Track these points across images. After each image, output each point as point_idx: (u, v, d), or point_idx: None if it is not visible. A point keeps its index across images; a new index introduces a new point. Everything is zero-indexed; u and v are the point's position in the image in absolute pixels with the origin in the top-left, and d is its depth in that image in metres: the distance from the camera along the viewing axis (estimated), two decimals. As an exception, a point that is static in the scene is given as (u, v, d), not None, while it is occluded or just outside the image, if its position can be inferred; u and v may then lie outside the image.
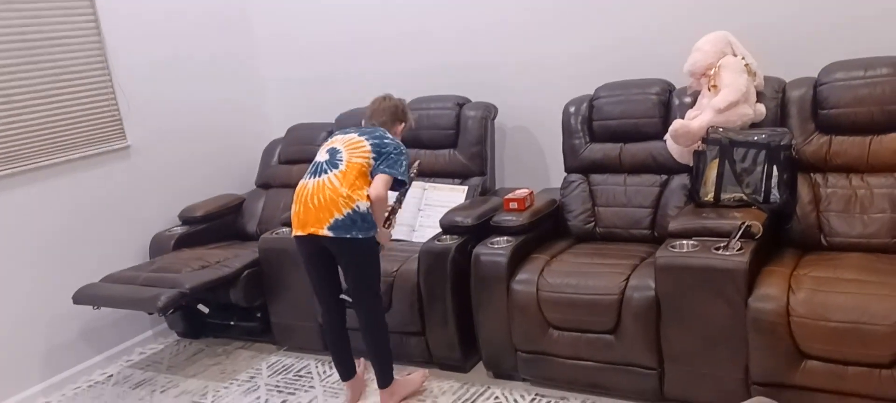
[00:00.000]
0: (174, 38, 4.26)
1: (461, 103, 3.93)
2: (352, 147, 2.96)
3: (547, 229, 3.44)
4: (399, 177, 2.97)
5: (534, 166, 4.05)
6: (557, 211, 3.53)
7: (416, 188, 3.89)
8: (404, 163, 2.99)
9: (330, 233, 2.90)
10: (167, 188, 4.25)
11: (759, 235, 2.72)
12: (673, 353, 2.76)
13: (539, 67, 3.90)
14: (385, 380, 3.09)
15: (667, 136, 3.21)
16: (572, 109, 3.57)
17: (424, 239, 3.64)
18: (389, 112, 3.16)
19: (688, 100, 3.31)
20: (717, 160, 2.98)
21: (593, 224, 3.46)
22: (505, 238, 3.23)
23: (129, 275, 3.58)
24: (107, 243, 3.91)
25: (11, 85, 3.48)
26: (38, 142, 3.59)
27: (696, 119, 3.04)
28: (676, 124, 3.03)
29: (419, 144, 3.98)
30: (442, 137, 3.92)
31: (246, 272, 3.67)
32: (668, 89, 3.41)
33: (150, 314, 3.64)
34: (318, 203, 2.92)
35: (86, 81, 3.80)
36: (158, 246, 4.09)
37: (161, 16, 4.18)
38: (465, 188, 3.80)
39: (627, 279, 2.88)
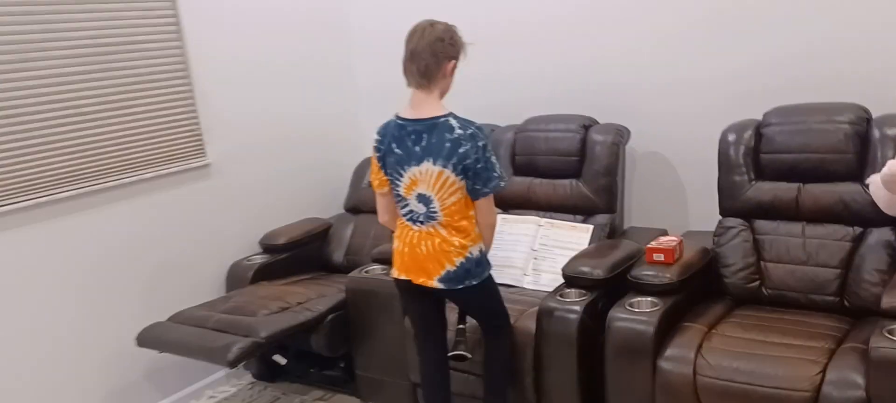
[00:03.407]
0: (260, 38, 3.79)
1: (588, 125, 3.29)
2: (438, 185, 2.37)
3: (697, 287, 2.76)
4: (503, 184, 2.44)
5: (670, 204, 3.35)
6: (710, 263, 2.84)
7: (530, 224, 3.27)
8: (494, 159, 2.41)
9: (441, 286, 2.45)
10: (248, 210, 3.79)
11: None
12: (890, 478, 2.04)
13: (684, 85, 3.21)
14: None
15: (872, 179, 2.47)
16: (732, 138, 2.87)
17: (539, 287, 3.03)
18: (430, 50, 2.34)
19: (891, 132, 2.57)
20: (948, 215, 2.23)
21: (758, 283, 2.74)
22: (648, 299, 2.57)
23: (200, 316, 3.12)
24: (180, 272, 3.48)
25: (83, 95, 3.07)
26: (109, 158, 3.16)
27: (920, 160, 2.29)
28: (894, 165, 2.29)
29: (535, 172, 3.36)
30: (563, 165, 3.29)
31: (330, 317, 3.15)
32: (864, 117, 2.66)
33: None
34: (427, 251, 2.45)
35: (165, 91, 3.36)
36: (236, 277, 3.64)
37: (247, 14, 3.73)
38: (591, 227, 3.15)
39: (823, 370, 2.17)
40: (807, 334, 2.39)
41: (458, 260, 2.43)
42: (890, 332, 2.07)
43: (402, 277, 2.53)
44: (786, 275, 2.69)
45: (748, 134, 2.83)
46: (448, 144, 2.34)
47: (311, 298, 3.24)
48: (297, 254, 3.77)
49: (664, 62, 3.23)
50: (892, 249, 2.50)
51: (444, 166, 2.35)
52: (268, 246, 3.76)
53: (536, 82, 3.58)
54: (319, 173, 4.12)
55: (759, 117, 2.85)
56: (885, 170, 2.32)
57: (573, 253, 2.93)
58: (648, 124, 3.30)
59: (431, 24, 2.41)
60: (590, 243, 3.10)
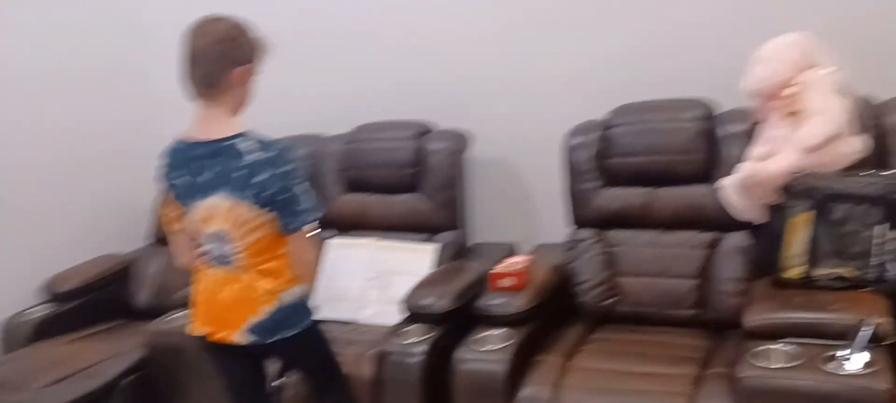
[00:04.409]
0: (32, 40, 3.11)
1: (423, 132, 2.93)
2: (232, 220, 1.92)
3: (552, 310, 2.47)
4: (316, 216, 1.97)
5: (519, 215, 3.07)
6: (564, 281, 2.57)
7: (365, 248, 2.87)
8: (303, 187, 1.94)
9: (247, 340, 1.99)
10: (26, 250, 3.10)
11: (893, 340, 1.82)
12: None
13: (527, 82, 2.93)
14: None
15: (725, 183, 2.29)
16: (578, 141, 2.61)
17: (380, 321, 2.64)
18: (213, 53, 1.87)
19: (736, 129, 2.41)
20: (805, 220, 2.07)
21: (614, 300, 2.50)
22: (498, 332, 2.25)
23: (-52, 398, 2.45)
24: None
25: None
26: None
27: (774, 160, 2.12)
28: (749, 169, 2.11)
29: (369, 188, 2.96)
30: (398, 178, 2.91)
31: (124, 382, 2.58)
32: (709, 114, 2.49)
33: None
34: (229, 299, 1.99)
35: None
36: (11, 336, 2.97)
37: (15, 8, 3.04)
38: (433, 248, 2.80)
39: (691, 404, 1.94)
40: (669, 359, 2.17)
41: (267, 309, 1.98)
42: (756, 356, 1.87)
43: (199, 332, 2.06)
44: (642, 290, 2.47)
45: (594, 136, 2.59)
46: (240, 173, 1.87)
47: (100, 360, 2.65)
48: (90, 301, 3.14)
49: (504, 60, 2.94)
50: (748, 255, 2.33)
51: (239, 199, 1.89)
52: (53, 294, 3.10)
53: (368, 86, 3.16)
54: (116, 199, 3.48)
55: (603, 116, 2.61)
56: (739, 174, 2.13)
57: (416, 279, 2.57)
58: (491, 128, 2.98)
59: (215, 19, 1.93)
60: (435, 266, 2.75)
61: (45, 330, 2.97)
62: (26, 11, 3.12)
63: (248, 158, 1.88)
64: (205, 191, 1.92)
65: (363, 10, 3.12)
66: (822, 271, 2.06)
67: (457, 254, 2.84)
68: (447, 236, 2.85)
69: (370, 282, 2.79)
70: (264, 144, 1.92)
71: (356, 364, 2.38)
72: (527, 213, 3.05)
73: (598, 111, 2.64)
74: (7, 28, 3.05)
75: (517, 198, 3.06)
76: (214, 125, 1.93)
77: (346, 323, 2.75)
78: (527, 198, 3.05)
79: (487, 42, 2.95)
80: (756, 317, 1.97)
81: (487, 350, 2.18)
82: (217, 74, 1.89)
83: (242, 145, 1.89)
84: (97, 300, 3.17)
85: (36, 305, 3.07)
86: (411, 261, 2.76)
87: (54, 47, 3.20)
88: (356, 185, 2.98)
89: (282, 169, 1.90)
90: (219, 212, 1.92)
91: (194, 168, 1.92)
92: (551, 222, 2.85)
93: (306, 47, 3.20)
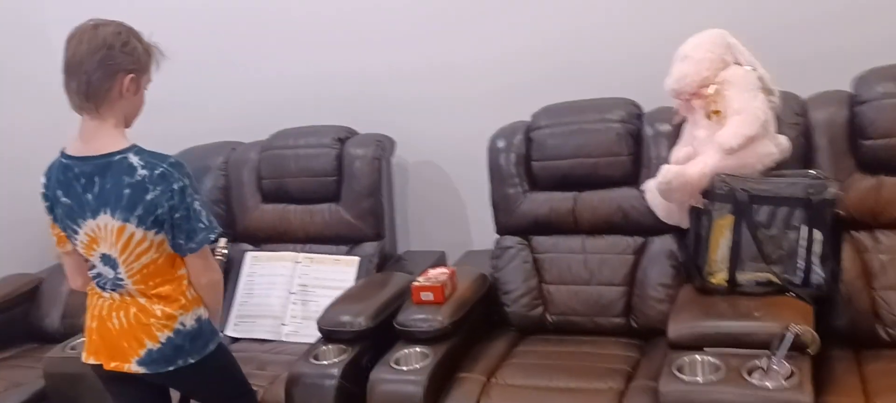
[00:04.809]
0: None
1: (344, 137, 2.79)
2: (122, 244, 1.77)
3: (476, 323, 2.37)
4: (213, 235, 1.83)
5: (448, 221, 2.96)
6: (489, 292, 2.47)
7: (286, 261, 2.73)
8: (199, 205, 1.80)
9: (142, 370, 1.85)
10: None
11: (816, 349, 1.76)
12: None
13: (452, 81, 2.81)
14: None
15: (648, 186, 2.21)
16: (501, 144, 2.51)
17: (302, 339, 2.52)
18: (93, 61, 1.70)
19: (663, 128, 2.33)
20: (728, 223, 2.00)
21: (542, 309, 2.41)
22: (418, 349, 2.13)
23: None
24: None
25: None
26: None
27: (695, 163, 2.04)
28: (668, 172, 2.03)
29: (288, 198, 2.82)
30: (318, 187, 2.76)
31: (22, 414, 2.41)
32: (635, 114, 2.40)
33: None
34: (121, 326, 1.85)
35: None
36: None
37: None
38: (356, 259, 2.67)
39: (615, 420, 1.85)
40: (595, 371, 2.07)
41: (164, 336, 1.84)
42: (678, 368, 1.79)
43: (92, 361, 1.90)
44: (569, 298, 2.37)
45: (518, 139, 2.49)
46: (128, 190, 1.72)
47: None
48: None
49: (425, 58, 2.81)
50: (676, 259, 2.25)
51: (127, 220, 1.74)
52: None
53: (285, 89, 3.01)
54: (23, 211, 3.26)
55: (528, 118, 2.51)
56: (659, 177, 2.05)
57: (339, 293, 2.45)
58: (417, 131, 2.86)
59: (96, 25, 1.76)
60: (357, 278, 2.62)
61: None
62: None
63: (138, 175, 1.73)
64: (93, 209, 1.76)
65: (288, 14, 2.96)
66: (747, 276, 1.98)
67: (381, 265, 2.71)
68: (371, 247, 2.72)
69: (291, 297, 2.65)
70: (153, 160, 1.76)
71: (271, 388, 2.25)
72: (457, 219, 2.95)
73: (527, 110, 2.53)
74: None
75: (447, 203, 2.95)
76: (99, 139, 1.77)
77: (265, 342, 2.62)
78: (457, 202, 2.94)
79: (409, 37, 2.82)
80: (680, 327, 1.89)
81: (406, 370, 2.06)
82: (99, 84, 1.73)
83: (133, 159, 1.74)
84: (4, 322, 2.97)
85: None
86: (334, 274, 2.64)
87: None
88: (275, 195, 2.83)
89: (174, 185, 1.76)
90: (106, 234, 1.77)
91: (81, 184, 1.76)
92: (482, 228, 2.73)
93: (221, 47, 3.04)
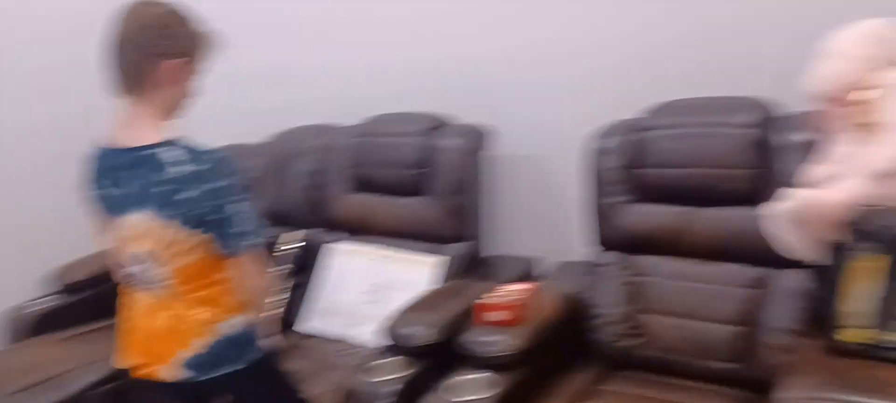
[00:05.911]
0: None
1: (435, 126, 2.57)
2: (159, 241, 1.64)
3: (555, 349, 2.07)
4: (258, 238, 1.67)
5: (546, 224, 2.65)
6: (575, 313, 2.16)
7: (362, 257, 2.56)
8: (242, 205, 1.62)
9: (177, 376, 1.71)
10: (32, 240, 3.01)
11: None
12: None
13: (559, 69, 2.50)
14: None
15: (772, 211, 1.80)
16: (605, 145, 2.17)
17: (369, 341, 2.34)
18: (136, 41, 1.58)
19: (797, 138, 1.90)
20: (874, 267, 1.56)
21: (635, 341, 2.06)
22: (483, 375, 1.88)
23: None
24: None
25: None
26: None
27: (836, 187, 1.62)
28: (805, 196, 1.62)
29: (374, 188, 2.64)
30: (402, 179, 2.56)
31: (94, 391, 2.41)
32: (764, 117, 1.98)
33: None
34: (157, 328, 1.72)
35: None
36: (17, 326, 2.87)
37: None
38: (435, 261, 2.45)
39: None
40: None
41: (200, 342, 1.71)
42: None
43: (126, 364, 1.81)
44: (670, 332, 2.02)
45: (626, 140, 2.14)
46: (160, 189, 1.59)
47: (76, 367, 2.48)
48: (98, 294, 3.00)
49: (532, 42, 2.51)
50: (809, 301, 1.83)
51: (164, 218, 1.61)
52: (66, 285, 2.99)
53: (384, 76, 2.82)
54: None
55: (643, 116, 2.16)
56: (788, 201, 1.64)
57: (414, 296, 2.25)
58: (517, 122, 2.58)
59: (149, 3, 1.64)
60: (440, 281, 2.40)
61: (49, 322, 2.85)
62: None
63: (172, 171, 1.59)
64: (126, 206, 1.65)
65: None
66: (894, 337, 1.55)
67: (468, 269, 2.48)
68: (458, 249, 2.49)
69: (364, 296, 2.48)
70: (195, 155, 1.62)
71: (325, 399, 2.09)
72: (554, 223, 2.63)
73: (639, 105, 2.18)
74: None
75: (544, 204, 2.64)
76: (138, 129, 1.65)
77: (336, 341, 2.47)
78: (555, 205, 2.62)
79: (513, 21, 2.53)
80: (790, 395, 1.50)
81: (462, 400, 1.82)
82: (139, 68, 1.61)
83: (166, 155, 1.60)
84: (105, 293, 3.04)
85: (42, 297, 2.98)
86: (409, 275, 2.43)
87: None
88: (362, 185, 2.66)
89: (214, 184, 1.60)
90: (142, 232, 1.66)
91: (112, 178, 1.66)
92: (583, 235, 2.42)
93: (319, 27, 2.91)
